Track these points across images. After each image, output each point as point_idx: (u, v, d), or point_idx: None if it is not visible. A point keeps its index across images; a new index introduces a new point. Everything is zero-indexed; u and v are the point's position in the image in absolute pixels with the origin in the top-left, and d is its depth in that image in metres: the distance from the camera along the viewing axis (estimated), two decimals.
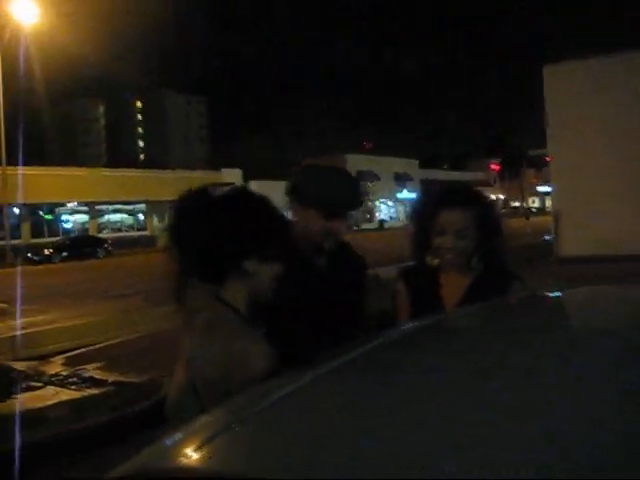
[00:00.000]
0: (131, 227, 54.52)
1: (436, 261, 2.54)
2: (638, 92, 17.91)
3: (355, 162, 75.64)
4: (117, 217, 55.19)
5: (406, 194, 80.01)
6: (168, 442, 1.14)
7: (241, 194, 2.01)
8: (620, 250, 16.54)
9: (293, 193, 2.51)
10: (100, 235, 47.85)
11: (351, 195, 2.55)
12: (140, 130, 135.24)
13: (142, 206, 53.88)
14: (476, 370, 1.24)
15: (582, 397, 1.02)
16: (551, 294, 2.12)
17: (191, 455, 1.03)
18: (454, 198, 2.58)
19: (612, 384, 1.07)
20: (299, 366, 1.39)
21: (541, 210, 72.12)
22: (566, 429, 0.90)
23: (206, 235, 1.85)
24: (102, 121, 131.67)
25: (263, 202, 2.01)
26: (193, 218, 1.88)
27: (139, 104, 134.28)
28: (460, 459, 0.85)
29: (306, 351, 1.60)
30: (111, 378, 3.13)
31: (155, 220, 52.50)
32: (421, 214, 2.65)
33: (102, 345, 3.96)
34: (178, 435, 1.16)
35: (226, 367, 1.73)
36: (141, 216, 55.14)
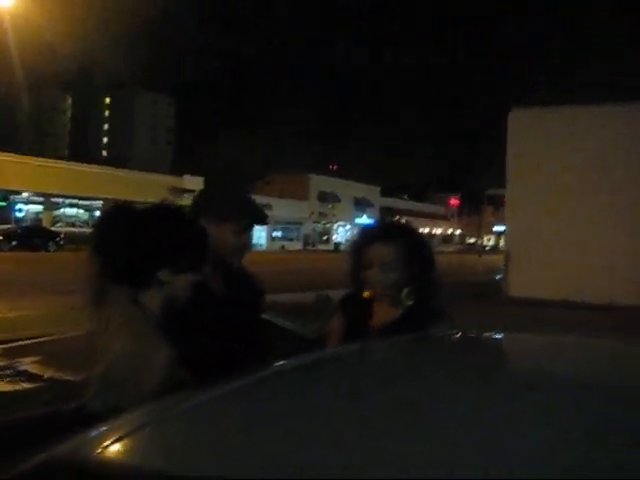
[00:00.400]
0: (86, 223, 53.76)
1: (367, 294, 2.61)
2: (599, 142, 18.43)
3: (318, 182, 75.94)
4: (72, 211, 54.46)
5: (365, 219, 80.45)
6: (87, 435, 1.19)
7: (161, 209, 2.15)
8: (569, 296, 16.91)
9: (201, 208, 2.56)
10: (53, 228, 47.07)
11: (260, 212, 2.69)
12: (106, 127, 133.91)
13: (99, 203, 53.29)
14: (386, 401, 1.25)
15: (509, 439, 1.02)
16: (478, 335, 2.17)
17: (108, 449, 1.08)
18: (383, 233, 2.68)
19: (533, 432, 1.06)
20: (218, 377, 1.45)
21: (495, 248, 73.16)
22: (498, 468, 0.90)
23: (124, 245, 1.97)
24: (68, 114, 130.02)
25: (181, 216, 2.18)
26: (114, 228, 1.99)
27: (107, 100, 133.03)
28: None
29: (206, 361, 1.75)
30: (46, 374, 3.11)
31: None
32: (354, 247, 2.74)
33: (41, 340, 3.92)
34: (98, 429, 1.21)
35: (137, 366, 1.85)
36: (97, 213, 54.47)
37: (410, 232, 2.76)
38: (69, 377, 3.02)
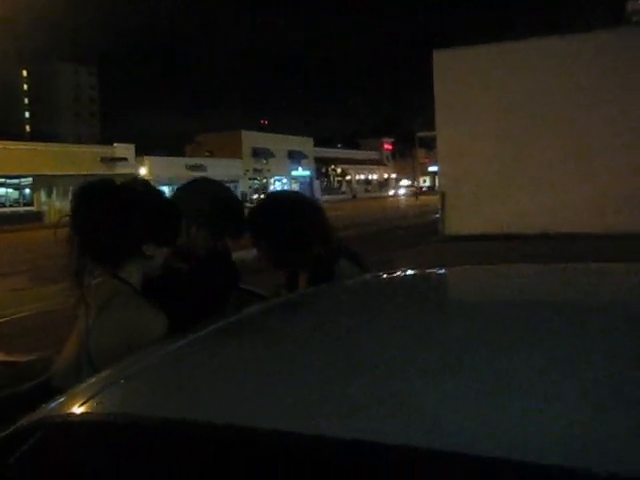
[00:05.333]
0: (17, 202, 52.35)
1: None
2: (525, 80, 18.73)
3: (250, 139, 75.22)
4: (2, 191, 52.90)
5: (300, 172, 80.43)
6: (69, 394, 1.24)
7: (138, 183, 2.19)
8: (502, 230, 17.37)
9: (189, 211, 2.42)
10: None
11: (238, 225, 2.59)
12: (26, 101, 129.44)
13: (29, 180, 51.87)
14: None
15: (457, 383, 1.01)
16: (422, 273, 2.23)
17: (90, 402, 1.15)
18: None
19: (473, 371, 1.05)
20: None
21: (431, 189, 74.00)
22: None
23: (108, 224, 1.99)
24: None
25: (158, 190, 2.24)
26: (95, 207, 2.01)
27: (24, 73, 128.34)
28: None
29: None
30: None
31: (42, 195, 50.74)
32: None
33: None
34: (78, 388, 1.27)
35: (124, 335, 1.90)
36: (27, 191, 53.06)
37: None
38: (20, 358, 3.05)
